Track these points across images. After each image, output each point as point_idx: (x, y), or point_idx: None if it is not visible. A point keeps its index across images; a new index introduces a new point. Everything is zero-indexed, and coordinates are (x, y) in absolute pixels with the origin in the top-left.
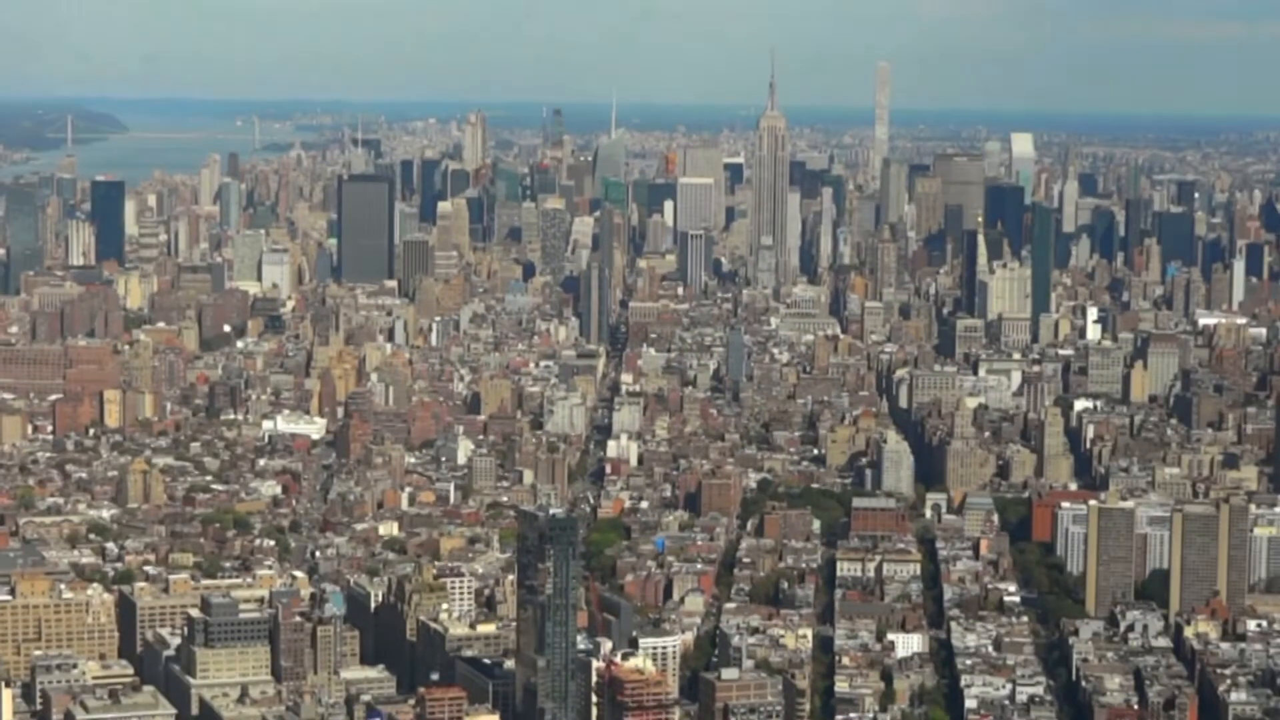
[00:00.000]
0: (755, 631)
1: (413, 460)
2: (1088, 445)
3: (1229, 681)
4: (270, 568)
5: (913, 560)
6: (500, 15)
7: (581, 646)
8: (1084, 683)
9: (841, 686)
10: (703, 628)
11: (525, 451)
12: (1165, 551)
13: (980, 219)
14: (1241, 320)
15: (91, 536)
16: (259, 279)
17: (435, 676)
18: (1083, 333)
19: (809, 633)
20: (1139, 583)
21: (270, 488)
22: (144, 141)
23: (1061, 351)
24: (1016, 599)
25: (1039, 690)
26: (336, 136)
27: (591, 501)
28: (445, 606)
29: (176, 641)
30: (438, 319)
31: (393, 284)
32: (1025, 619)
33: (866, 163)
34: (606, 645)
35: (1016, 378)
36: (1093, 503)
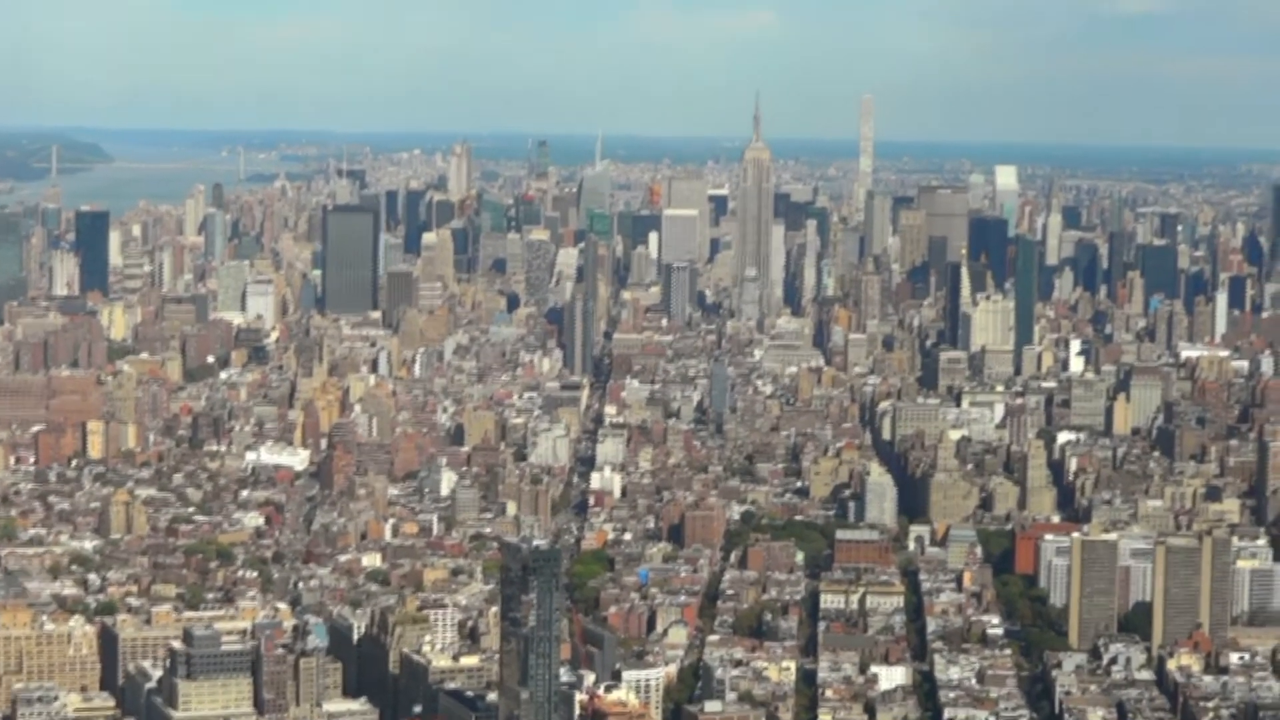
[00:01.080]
0: (739, 664)
1: (396, 492)
2: (1071, 477)
3: (1211, 714)
4: (253, 599)
5: (896, 592)
6: (486, 47)
7: (565, 679)
8: (1067, 715)
9: (825, 719)
10: (686, 660)
11: (509, 483)
12: (1148, 584)
13: (964, 251)
14: (1224, 353)
15: (74, 568)
16: (243, 310)
17: (418, 709)
18: (1066, 365)
19: (792, 665)
20: (1122, 615)
21: (253, 519)
22: (129, 172)
23: (1044, 384)
24: (999, 631)
25: None
26: (321, 167)
27: (575, 533)
28: (428, 638)
29: (158, 673)
30: (422, 350)
31: (377, 315)
32: (1008, 651)
33: (851, 195)
34: (590, 677)
35: (1000, 410)
36: (1076, 535)
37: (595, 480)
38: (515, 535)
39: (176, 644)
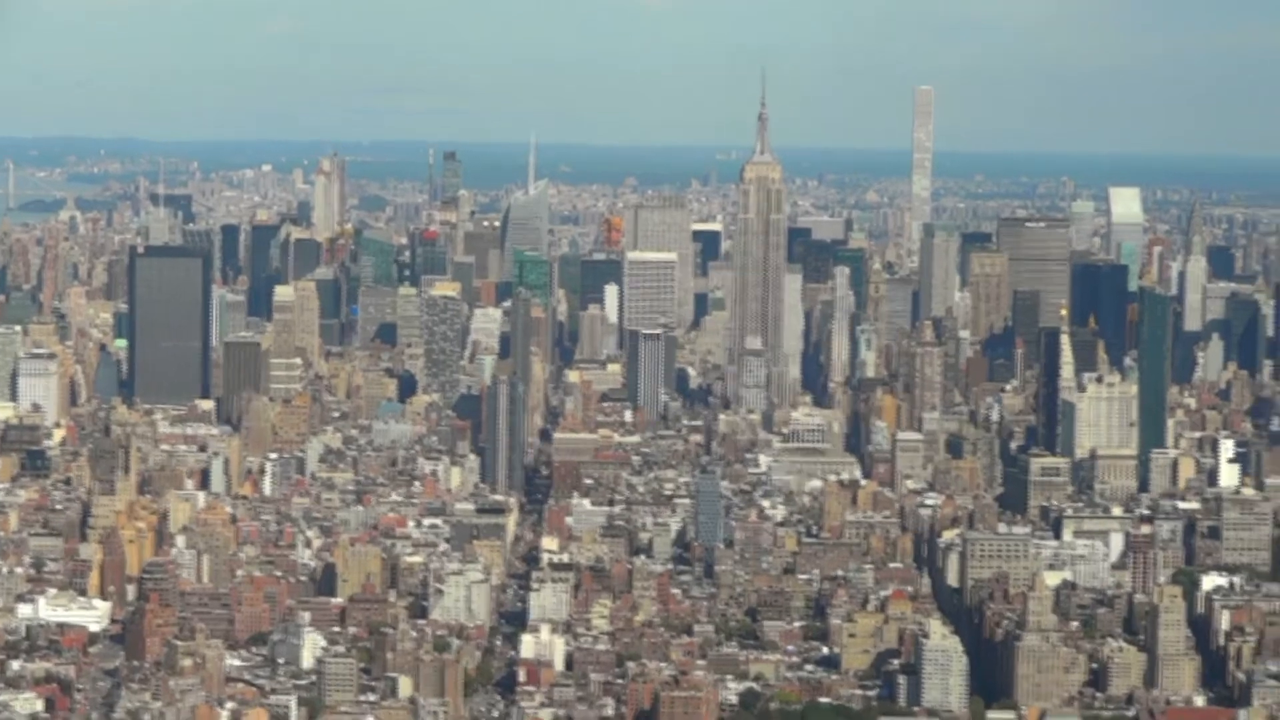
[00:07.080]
0: None
1: (238, 663)
2: (1221, 641)
3: None
4: None
5: None
6: (368, 18)
7: None
8: None
9: None
10: None
11: (401, 650)
12: None
13: (1065, 312)
14: None
15: None
16: (13, 398)
17: None
18: (1214, 477)
19: None
20: None
21: (28, 702)
22: None
23: (1183, 505)
24: None
25: None
26: (128, 191)
27: None
28: None
29: None
30: (274, 457)
31: (209, 406)
32: None
33: (900, 230)
34: None
35: (1118, 543)
36: None
37: (528, 646)
38: None
39: None
